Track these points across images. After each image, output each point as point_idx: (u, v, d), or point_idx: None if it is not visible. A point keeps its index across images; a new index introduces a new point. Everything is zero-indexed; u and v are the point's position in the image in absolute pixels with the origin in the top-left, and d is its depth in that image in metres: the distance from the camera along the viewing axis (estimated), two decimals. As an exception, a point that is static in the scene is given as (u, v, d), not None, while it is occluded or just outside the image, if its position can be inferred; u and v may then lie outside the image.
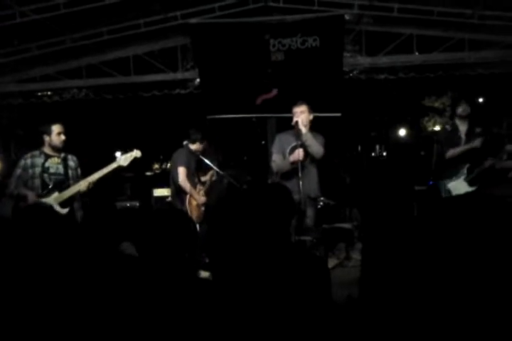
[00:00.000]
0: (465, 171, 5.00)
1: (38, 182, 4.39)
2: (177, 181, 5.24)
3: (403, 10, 6.51)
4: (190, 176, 5.30)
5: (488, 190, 4.82)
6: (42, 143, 4.50)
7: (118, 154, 4.78)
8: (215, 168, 5.63)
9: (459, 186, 4.99)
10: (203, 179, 5.67)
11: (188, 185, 5.23)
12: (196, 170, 5.57)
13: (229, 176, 5.94)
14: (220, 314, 1.59)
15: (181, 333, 1.57)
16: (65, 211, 4.32)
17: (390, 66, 7.49)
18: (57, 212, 1.91)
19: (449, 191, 5.01)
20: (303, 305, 1.70)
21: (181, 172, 5.21)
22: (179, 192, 5.32)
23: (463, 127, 5.10)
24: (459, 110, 5.07)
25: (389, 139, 19.45)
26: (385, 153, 18.35)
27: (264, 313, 1.66)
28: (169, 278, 1.54)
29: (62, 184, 4.43)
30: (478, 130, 5.08)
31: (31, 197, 4.24)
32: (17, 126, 9.21)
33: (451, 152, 5.04)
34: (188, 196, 5.26)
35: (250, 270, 1.76)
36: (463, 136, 5.07)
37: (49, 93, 8.22)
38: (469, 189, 4.95)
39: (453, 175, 5.05)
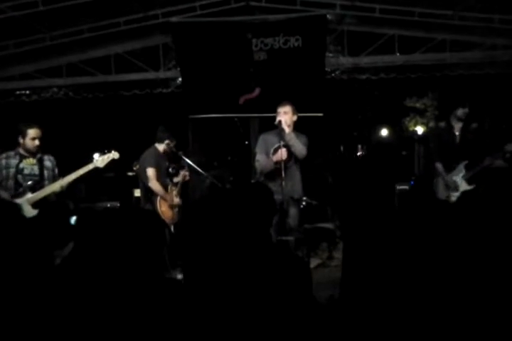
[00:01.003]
0: (462, 168, 4.99)
1: (11, 183, 4.36)
2: (146, 183, 5.09)
3: (385, 10, 6.55)
4: (160, 177, 5.15)
5: (485, 188, 4.83)
6: (18, 143, 4.45)
7: (96, 155, 4.70)
8: (196, 168, 5.53)
9: (458, 183, 5.00)
10: (175, 180, 5.46)
11: (159, 187, 5.07)
12: (177, 170, 5.47)
13: (211, 176, 5.86)
14: (196, 316, 1.55)
15: (153, 336, 1.52)
16: (36, 212, 4.27)
17: (371, 66, 7.52)
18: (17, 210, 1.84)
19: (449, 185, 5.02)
20: (284, 306, 1.68)
21: (150, 173, 5.05)
22: (149, 194, 5.17)
23: (457, 125, 5.11)
24: (460, 112, 5.02)
25: (371, 139, 19.59)
26: (359, 153, 18.48)
27: (243, 315, 1.64)
28: (139, 280, 1.48)
29: (36, 185, 4.38)
30: (474, 125, 5.07)
31: (5, 197, 4.20)
32: (-6, 125, 9.04)
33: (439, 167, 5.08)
34: (158, 198, 5.10)
35: (229, 270, 1.73)
36: (457, 132, 5.07)
37: (27, 92, 8.09)
38: (468, 187, 4.95)
39: (450, 169, 5.03)
